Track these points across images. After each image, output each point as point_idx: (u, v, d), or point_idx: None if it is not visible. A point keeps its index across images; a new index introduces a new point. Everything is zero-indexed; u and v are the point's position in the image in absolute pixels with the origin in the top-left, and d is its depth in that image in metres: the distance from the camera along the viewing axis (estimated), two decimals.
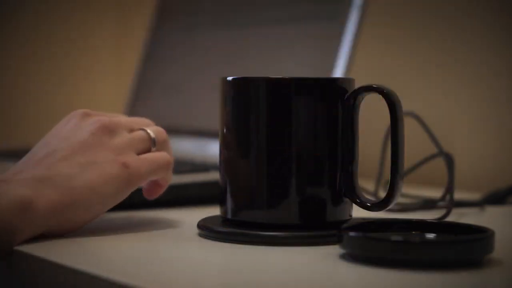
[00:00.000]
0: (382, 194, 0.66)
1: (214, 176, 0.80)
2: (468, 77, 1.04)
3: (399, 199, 0.64)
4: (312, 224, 0.63)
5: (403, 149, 0.62)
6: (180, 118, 1.06)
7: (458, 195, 0.79)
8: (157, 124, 0.72)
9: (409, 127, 0.72)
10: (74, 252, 0.61)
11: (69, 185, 0.63)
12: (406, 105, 0.65)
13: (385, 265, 0.54)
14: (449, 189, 0.77)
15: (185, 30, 1.13)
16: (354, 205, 0.64)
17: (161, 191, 0.70)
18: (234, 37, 1.05)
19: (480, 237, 0.56)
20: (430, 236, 0.60)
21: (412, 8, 1.09)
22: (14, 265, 0.61)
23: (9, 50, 1.35)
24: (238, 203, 0.64)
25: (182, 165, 0.85)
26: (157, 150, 0.69)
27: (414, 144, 0.85)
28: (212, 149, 0.95)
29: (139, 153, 0.67)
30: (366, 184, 0.83)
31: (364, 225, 0.60)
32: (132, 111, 1.13)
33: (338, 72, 0.89)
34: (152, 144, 0.69)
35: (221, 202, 0.66)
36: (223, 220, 0.65)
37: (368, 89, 0.63)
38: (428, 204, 0.82)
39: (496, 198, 0.87)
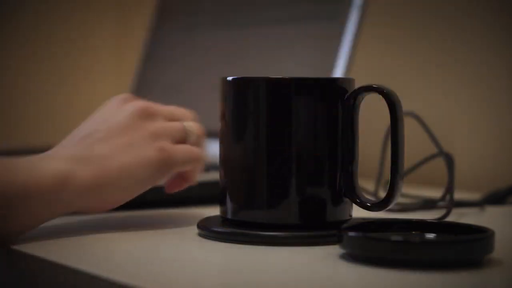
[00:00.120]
0: (382, 194, 0.66)
1: (214, 176, 0.80)
2: (468, 77, 1.04)
3: (399, 199, 0.64)
4: (312, 224, 0.63)
5: (403, 149, 0.62)
6: None
7: (458, 195, 0.79)
8: None
9: (409, 127, 0.72)
10: (74, 252, 0.61)
11: (105, 165, 0.64)
12: (406, 105, 0.65)
13: (385, 265, 0.54)
14: (449, 189, 0.77)
15: (185, 30, 1.13)
16: (354, 205, 0.64)
17: (184, 186, 0.71)
18: (234, 37, 1.05)
19: (480, 237, 0.56)
20: (430, 236, 0.60)
21: (412, 8, 1.09)
22: (13, 265, 0.61)
23: (9, 50, 1.35)
24: (238, 203, 0.64)
25: None
26: (191, 144, 0.70)
27: (414, 144, 0.85)
28: (212, 149, 0.95)
29: (174, 143, 0.68)
30: (366, 184, 0.83)
31: (364, 225, 0.60)
32: None
33: (338, 72, 0.89)
34: (187, 137, 0.69)
35: (221, 202, 0.66)
36: (223, 220, 0.65)
37: (368, 89, 0.63)
38: (428, 204, 0.82)
39: (496, 198, 0.87)
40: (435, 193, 0.84)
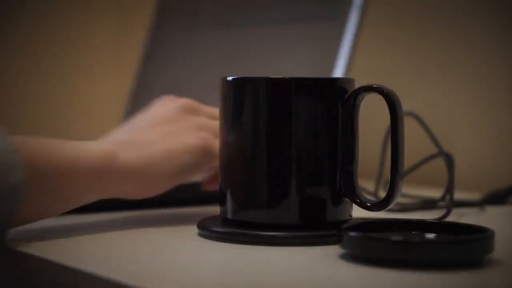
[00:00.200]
0: (382, 194, 0.66)
1: None
2: (468, 77, 1.04)
3: (399, 199, 0.64)
4: (312, 224, 0.63)
5: (403, 149, 0.62)
6: None
7: (458, 195, 0.79)
8: None
9: (409, 127, 0.72)
10: (74, 252, 0.61)
11: (150, 149, 0.67)
12: (406, 105, 0.65)
13: (385, 265, 0.54)
14: (449, 189, 0.77)
15: (185, 30, 1.13)
16: (354, 205, 0.64)
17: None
18: (234, 37, 1.05)
19: (480, 237, 0.56)
20: (430, 236, 0.60)
21: (412, 8, 1.09)
22: (13, 265, 0.61)
23: (9, 50, 1.35)
24: (238, 203, 0.64)
25: None
26: None
27: (414, 144, 0.85)
28: None
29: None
30: (366, 184, 0.83)
31: (364, 225, 0.60)
32: (132, 111, 1.13)
33: (338, 72, 0.89)
34: None
35: (221, 202, 0.66)
36: (223, 220, 0.65)
37: (368, 89, 0.63)
38: (428, 204, 0.82)
39: (496, 198, 0.87)
40: (435, 193, 0.84)
